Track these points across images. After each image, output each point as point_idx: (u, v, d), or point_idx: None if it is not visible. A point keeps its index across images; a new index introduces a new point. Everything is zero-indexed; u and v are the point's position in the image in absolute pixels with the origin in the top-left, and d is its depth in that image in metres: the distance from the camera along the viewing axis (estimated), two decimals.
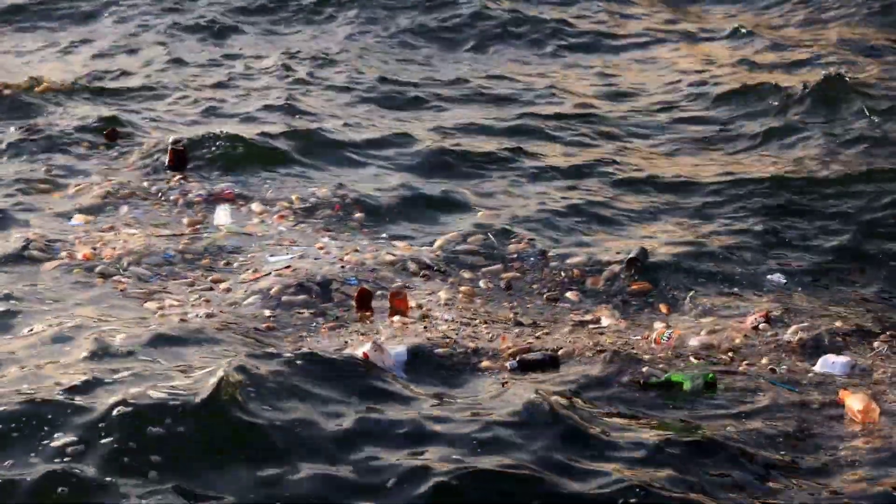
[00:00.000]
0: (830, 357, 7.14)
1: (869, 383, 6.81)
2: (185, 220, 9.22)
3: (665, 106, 12.52)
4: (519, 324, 7.58)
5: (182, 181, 10.02)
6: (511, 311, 7.81)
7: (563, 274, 8.42)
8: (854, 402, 6.41)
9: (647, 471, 5.59)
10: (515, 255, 8.70)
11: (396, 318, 7.46)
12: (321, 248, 8.66)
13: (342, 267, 8.22)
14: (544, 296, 8.12)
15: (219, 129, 10.95)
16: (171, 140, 10.38)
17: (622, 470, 5.55)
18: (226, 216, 9.25)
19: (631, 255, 8.45)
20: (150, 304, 7.59)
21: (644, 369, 6.78)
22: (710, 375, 6.68)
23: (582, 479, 5.48)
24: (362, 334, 7.19)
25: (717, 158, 11.04)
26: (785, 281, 8.46)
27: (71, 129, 11.18)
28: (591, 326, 7.57)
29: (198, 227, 9.07)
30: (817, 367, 7.09)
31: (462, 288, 8.12)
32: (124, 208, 9.43)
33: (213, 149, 10.60)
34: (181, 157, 10.24)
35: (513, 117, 12.05)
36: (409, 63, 14.01)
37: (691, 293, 8.13)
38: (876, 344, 7.38)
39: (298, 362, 6.33)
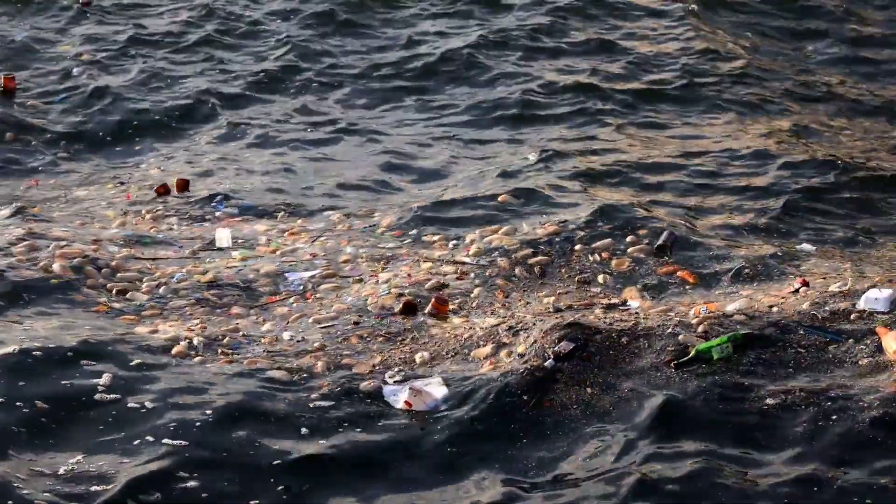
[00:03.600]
0: (873, 292, 6.88)
1: None
2: None
3: None
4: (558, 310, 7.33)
5: None
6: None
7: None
8: (890, 340, 6.17)
9: None
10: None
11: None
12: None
13: None
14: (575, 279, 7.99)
15: None
16: None
17: None
18: (227, 238, 9.00)
19: (660, 243, 8.26)
20: None
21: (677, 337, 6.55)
22: (739, 335, 6.43)
23: None
24: None
25: None
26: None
27: None
28: (619, 308, 7.35)
29: None
30: (860, 304, 6.87)
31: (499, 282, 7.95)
32: None
33: None
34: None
35: None
36: None
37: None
38: None
39: None
